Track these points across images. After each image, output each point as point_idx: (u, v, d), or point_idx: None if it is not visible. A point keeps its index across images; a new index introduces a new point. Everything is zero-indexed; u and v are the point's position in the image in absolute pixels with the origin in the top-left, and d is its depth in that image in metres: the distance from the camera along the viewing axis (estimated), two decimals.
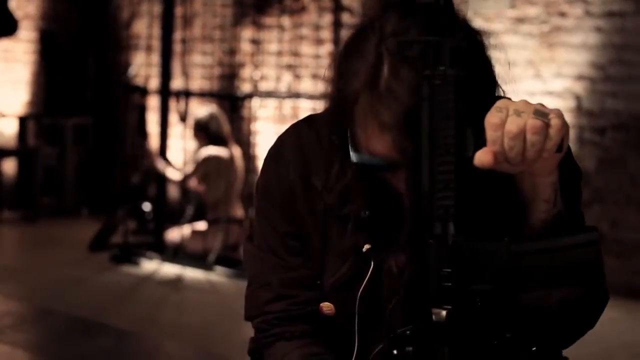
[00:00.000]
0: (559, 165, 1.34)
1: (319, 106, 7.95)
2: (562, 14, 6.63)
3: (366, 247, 1.54)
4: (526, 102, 1.27)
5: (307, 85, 8.19)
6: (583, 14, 6.63)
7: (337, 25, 8.02)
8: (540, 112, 1.25)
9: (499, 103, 1.27)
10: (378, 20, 1.42)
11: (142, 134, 7.97)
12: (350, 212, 1.55)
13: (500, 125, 1.24)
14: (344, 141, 1.50)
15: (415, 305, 1.45)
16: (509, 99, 1.32)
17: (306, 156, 1.63)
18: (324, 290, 1.61)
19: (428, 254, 1.29)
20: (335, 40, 8.00)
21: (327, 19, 8.12)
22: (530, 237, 1.36)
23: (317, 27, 8.17)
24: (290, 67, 8.36)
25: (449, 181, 1.26)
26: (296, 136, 1.67)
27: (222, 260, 6.81)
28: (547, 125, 1.24)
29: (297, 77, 8.32)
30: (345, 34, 7.92)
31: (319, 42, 8.17)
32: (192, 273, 6.77)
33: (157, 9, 8.34)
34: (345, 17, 7.98)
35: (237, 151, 7.43)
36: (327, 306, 1.61)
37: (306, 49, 8.25)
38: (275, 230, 1.64)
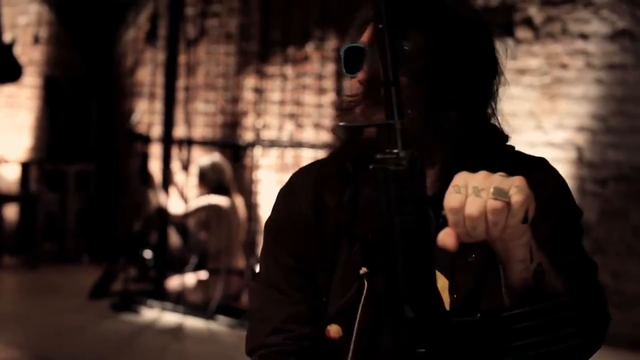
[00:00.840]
0: (552, 211, 1.34)
1: (320, 155, 8.00)
2: (563, 66, 6.67)
3: (363, 270, 1.53)
4: (485, 176, 1.24)
5: (309, 134, 8.22)
6: (584, 66, 6.66)
7: (339, 74, 8.07)
8: (500, 191, 1.21)
9: (456, 180, 1.24)
10: None
11: (144, 181, 7.98)
12: (360, 232, 1.54)
13: (460, 208, 1.21)
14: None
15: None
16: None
17: (319, 183, 1.66)
18: (331, 313, 1.63)
19: (399, 335, 1.27)
20: (338, 90, 8.05)
21: (330, 68, 8.16)
22: (505, 308, 1.34)
23: (319, 77, 8.22)
24: (292, 116, 8.39)
25: (414, 265, 1.25)
26: (309, 170, 1.73)
27: (223, 310, 6.78)
28: (508, 204, 1.21)
29: (299, 126, 8.35)
30: (348, 84, 7.98)
31: (321, 91, 8.21)
32: (193, 322, 6.74)
33: (161, 56, 8.40)
34: None
35: (239, 200, 7.44)
36: (334, 330, 1.62)
37: (309, 98, 8.29)
38: (280, 266, 1.67)
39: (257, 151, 8.01)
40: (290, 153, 8.22)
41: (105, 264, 7.87)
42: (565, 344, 1.32)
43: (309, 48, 8.28)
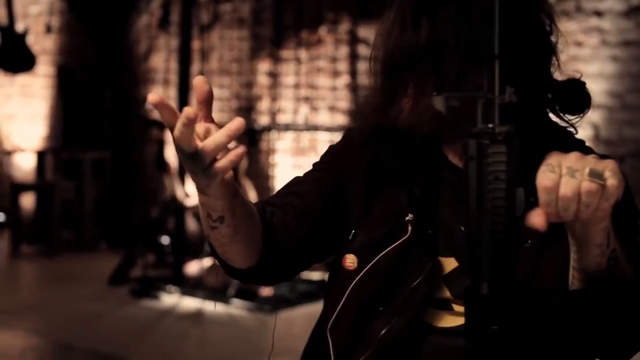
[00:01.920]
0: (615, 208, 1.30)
1: (336, 138, 7.97)
2: (579, 44, 6.65)
3: (410, 216, 1.62)
4: (579, 157, 1.22)
5: (325, 117, 8.22)
6: (599, 43, 6.64)
7: (353, 57, 8.06)
8: (595, 173, 1.19)
9: (550, 159, 1.22)
10: None
11: (160, 168, 7.99)
12: (405, 185, 1.66)
13: (553, 188, 1.19)
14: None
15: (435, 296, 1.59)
16: (562, 147, 1.27)
17: (376, 135, 1.72)
18: (354, 245, 1.68)
19: (475, 312, 1.24)
20: (352, 72, 8.04)
21: (344, 51, 8.15)
22: (579, 294, 1.36)
23: (333, 60, 8.21)
24: (307, 99, 8.39)
25: (499, 243, 1.20)
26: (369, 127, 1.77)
27: (241, 294, 6.80)
28: (602, 187, 1.19)
29: (314, 109, 8.34)
30: (362, 66, 7.99)
31: (335, 74, 8.20)
32: (212, 306, 6.76)
33: (174, 42, 8.40)
34: (362, 49, 8.02)
35: (248, 185, 7.42)
36: (351, 259, 1.67)
37: (323, 81, 8.28)
38: (309, 173, 1.78)
39: (273, 135, 8.02)
40: (305, 136, 8.23)
41: (123, 250, 7.90)
42: (633, 329, 1.35)
43: (322, 31, 8.27)
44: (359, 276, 1.65)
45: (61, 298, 7.05)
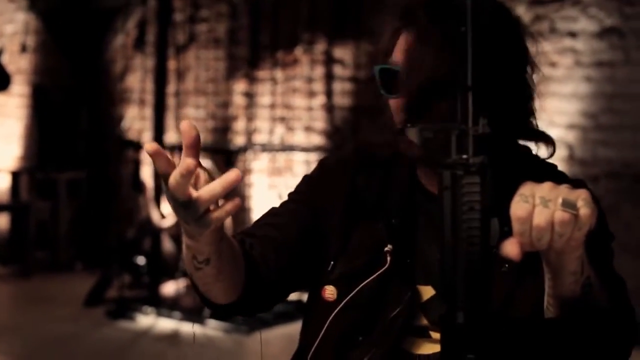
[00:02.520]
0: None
1: (312, 158, 7.98)
2: (553, 64, 6.70)
3: (389, 247, 1.64)
4: (552, 187, 1.23)
5: (300, 137, 8.23)
6: (573, 64, 6.70)
7: (329, 77, 8.09)
8: (568, 203, 1.20)
9: (523, 190, 1.22)
10: None
11: (136, 188, 7.98)
12: (383, 215, 1.68)
13: (527, 218, 1.20)
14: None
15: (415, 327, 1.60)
16: (535, 179, 1.29)
17: (356, 163, 1.78)
18: (333, 276, 1.70)
19: (450, 341, 1.26)
20: (328, 93, 8.06)
21: (319, 71, 8.18)
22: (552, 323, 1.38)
23: (309, 80, 8.23)
24: (283, 119, 8.40)
25: (473, 272, 1.22)
26: (349, 152, 1.83)
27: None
28: (575, 217, 1.20)
29: (290, 129, 8.36)
30: (338, 86, 8.02)
31: (311, 94, 8.23)
32: (188, 327, 6.74)
33: (150, 62, 8.40)
34: (337, 70, 8.05)
35: None
36: (330, 290, 1.69)
37: (299, 101, 8.30)
38: (286, 204, 1.80)
39: (249, 155, 8.02)
40: (281, 156, 8.23)
41: (98, 271, 7.86)
42: (605, 354, 1.37)
43: (298, 51, 8.29)
44: (338, 307, 1.67)
45: (36, 319, 7.00)
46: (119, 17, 9.45)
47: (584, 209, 1.20)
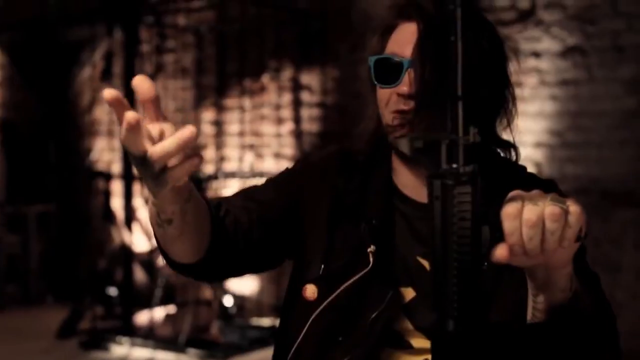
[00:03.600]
0: None
1: None
2: (518, 84, 6.75)
3: (372, 247, 1.64)
4: (541, 193, 1.23)
5: (270, 164, 8.26)
6: (538, 83, 6.78)
7: (297, 104, 8.13)
8: (557, 199, 1.20)
9: (512, 194, 1.22)
10: None
11: (107, 219, 7.95)
12: (364, 216, 1.69)
13: (517, 215, 1.18)
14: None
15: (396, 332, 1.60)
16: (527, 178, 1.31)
17: (336, 165, 1.79)
18: (314, 275, 1.70)
19: (440, 349, 1.25)
20: (296, 119, 8.10)
21: (287, 98, 8.22)
22: (541, 327, 1.37)
23: (277, 107, 8.27)
24: (252, 146, 8.42)
25: (464, 281, 1.20)
26: (330, 152, 1.85)
27: (192, 342, 6.76)
28: (566, 212, 1.19)
29: (259, 156, 8.38)
30: (305, 112, 8.05)
31: (279, 121, 8.26)
32: (163, 356, 6.71)
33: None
34: (305, 96, 8.09)
35: None
36: (311, 289, 1.69)
37: (267, 128, 8.33)
38: (264, 186, 1.82)
39: (219, 183, 8.03)
40: (251, 183, 8.23)
41: (69, 303, 7.81)
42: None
43: (265, 79, 8.33)
44: (320, 307, 1.66)
45: (9, 353, 6.94)
46: (85, 50, 9.45)
47: (574, 206, 1.20)
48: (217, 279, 1.74)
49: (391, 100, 1.66)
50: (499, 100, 1.63)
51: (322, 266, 1.69)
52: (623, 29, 6.52)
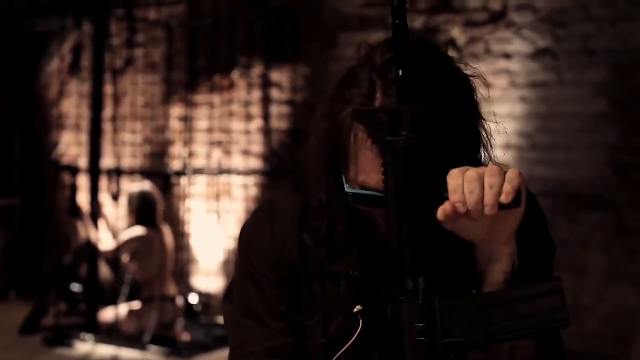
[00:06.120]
0: (529, 243, 1.38)
1: (250, 182, 7.93)
2: (488, 86, 6.76)
3: (358, 308, 1.55)
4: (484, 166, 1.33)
5: (238, 161, 8.22)
6: (508, 85, 6.79)
7: (266, 100, 8.09)
8: (497, 162, 1.33)
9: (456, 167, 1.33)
10: (369, 56, 1.50)
11: (73, 214, 7.86)
12: (341, 270, 1.57)
13: (460, 174, 1.29)
14: (336, 178, 1.53)
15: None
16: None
17: (299, 218, 1.65)
18: (313, 348, 1.63)
19: (400, 310, 1.30)
20: (265, 116, 8.06)
21: (256, 95, 8.18)
22: (497, 290, 1.38)
23: (246, 104, 8.23)
24: (220, 143, 8.37)
25: (416, 238, 1.28)
26: (288, 199, 1.69)
27: (157, 340, 6.71)
28: (504, 171, 1.29)
29: (227, 153, 8.33)
30: (275, 110, 8.02)
31: (248, 118, 8.22)
32: (127, 353, 6.65)
33: (86, 87, 8.32)
34: (274, 93, 8.06)
35: (166, 229, 7.35)
36: None
37: (236, 125, 8.29)
38: (262, 295, 1.65)
39: (187, 180, 7.97)
40: (220, 180, 8.19)
41: (33, 299, 7.73)
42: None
43: (235, 75, 8.29)
44: None
45: None
46: (53, 42, 9.36)
47: (513, 169, 1.31)
48: None
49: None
50: (474, 139, 1.56)
51: (317, 337, 1.63)
52: (594, 33, 6.54)
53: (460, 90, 1.55)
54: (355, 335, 1.56)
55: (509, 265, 1.36)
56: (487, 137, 1.61)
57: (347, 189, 1.51)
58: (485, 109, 1.61)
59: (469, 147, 1.53)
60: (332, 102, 1.53)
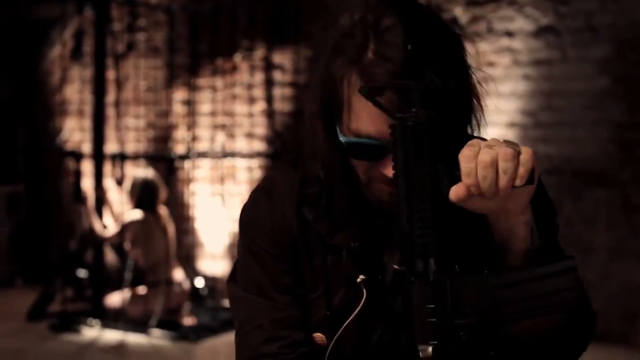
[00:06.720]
0: (534, 207, 1.36)
1: (254, 164, 7.91)
2: (491, 64, 6.76)
3: (360, 277, 1.55)
4: (495, 139, 1.29)
5: (242, 144, 8.21)
6: (511, 63, 6.77)
7: (269, 83, 8.08)
8: (511, 142, 1.27)
9: (471, 141, 1.28)
10: (363, 9, 1.48)
11: (78, 199, 7.87)
12: (342, 242, 1.58)
13: (473, 157, 1.25)
14: (332, 134, 1.51)
15: (399, 336, 1.55)
16: (482, 138, 1.33)
17: (297, 193, 1.64)
18: (317, 321, 1.62)
19: (411, 292, 1.29)
20: (268, 98, 8.05)
21: (259, 77, 8.17)
22: (508, 270, 1.36)
23: (249, 86, 8.22)
24: (224, 126, 8.37)
25: (427, 219, 1.27)
26: (286, 175, 1.68)
27: (163, 324, 6.72)
28: (518, 153, 1.25)
29: (231, 136, 8.33)
30: (278, 92, 8.01)
31: (251, 101, 8.21)
32: (134, 338, 6.67)
33: (88, 73, 8.31)
34: (277, 75, 8.04)
35: (164, 213, 7.31)
36: (319, 337, 1.62)
37: (239, 108, 8.28)
38: (266, 270, 1.64)
39: (190, 163, 7.97)
40: (223, 164, 8.19)
41: (39, 286, 7.75)
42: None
43: (237, 58, 8.28)
44: (327, 352, 1.61)
45: None
46: (55, 28, 9.34)
47: (526, 148, 1.27)
48: None
49: (372, 173, 1.52)
50: (464, 93, 1.51)
51: (321, 310, 1.61)
52: (596, 9, 6.52)
53: (462, 59, 1.50)
54: (361, 305, 1.56)
55: (527, 232, 1.36)
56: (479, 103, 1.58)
57: (342, 138, 1.49)
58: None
59: (469, 119, 1.53)
60: (324, 53, 1.52)
